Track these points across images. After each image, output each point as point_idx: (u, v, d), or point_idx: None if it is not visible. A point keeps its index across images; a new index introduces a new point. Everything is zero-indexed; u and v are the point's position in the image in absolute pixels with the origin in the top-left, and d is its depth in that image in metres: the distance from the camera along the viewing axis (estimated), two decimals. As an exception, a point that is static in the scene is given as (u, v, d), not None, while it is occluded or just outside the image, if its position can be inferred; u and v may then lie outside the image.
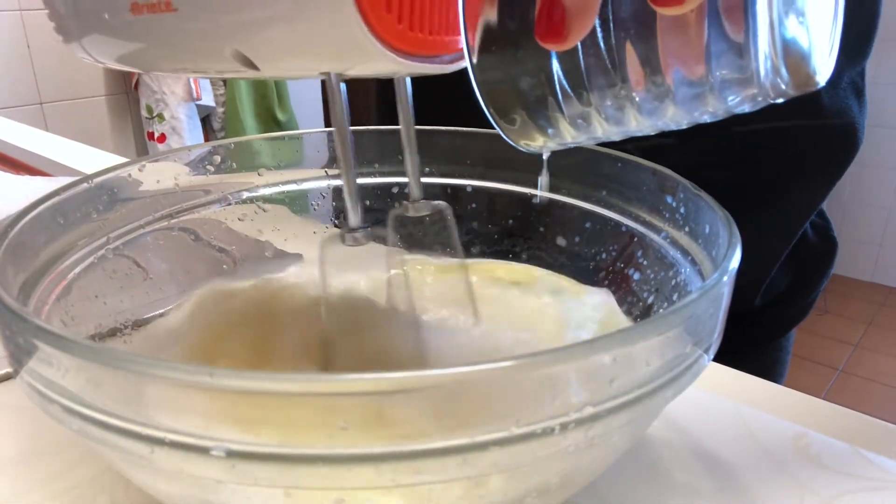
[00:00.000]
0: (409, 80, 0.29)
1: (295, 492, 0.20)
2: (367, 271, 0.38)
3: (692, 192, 0.31)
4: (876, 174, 2.38)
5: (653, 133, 0.23)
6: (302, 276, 0.40)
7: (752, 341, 0.52)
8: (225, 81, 2.08)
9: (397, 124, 0.39)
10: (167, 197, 0.36)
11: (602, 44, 0.21)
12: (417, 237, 0.39)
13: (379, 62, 0.21)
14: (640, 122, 0.22)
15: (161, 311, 0.35)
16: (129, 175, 0.34)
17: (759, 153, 0.45)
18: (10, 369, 0.22)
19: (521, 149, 0.25)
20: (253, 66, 0.22)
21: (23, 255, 0.28)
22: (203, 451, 0.18)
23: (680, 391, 0.22)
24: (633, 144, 0.35)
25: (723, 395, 0.36)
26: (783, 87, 0.20)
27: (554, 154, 0.38)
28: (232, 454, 0.18)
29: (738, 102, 0.21)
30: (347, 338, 0.32)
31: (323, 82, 0.25)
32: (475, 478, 0.20)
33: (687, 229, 0.31)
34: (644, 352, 0.20)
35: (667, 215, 0.33)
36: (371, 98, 0.57)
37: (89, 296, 0.31)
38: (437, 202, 0.33)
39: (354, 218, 0.27)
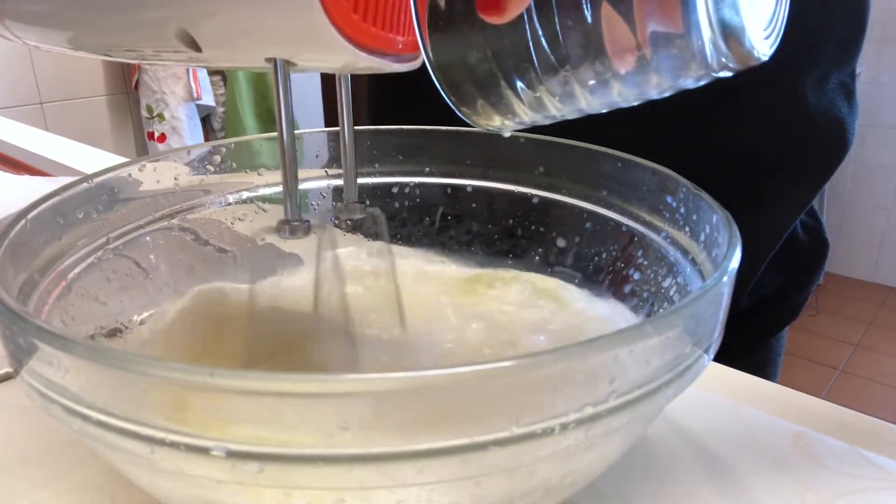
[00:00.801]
0: (349, 79, 0.29)
1: (295, 492, 0.20)
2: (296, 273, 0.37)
3: (692, 192, 0.31)
4: (876, 174, 2.38)
5: (605, 111, 0.24)
6: (297, 278, 0.40)
7: (743, 342, 0.52)
8: (225, 81, 2.08)
9: (389, 123, 0.40)
10: (167, 197, 0.36)
11: (540, 21, 0.21)
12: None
13: (331, 51, 0.21)
14: (589, 100, 0.23)
15: (161, 311, 0.35)
16: (129, 175, 0.34)
17: (745, 152, 0.45)
18: (10, 369, 0.22)
19: (483, 129, 0.25)
20: (195, 47, 0.22)
21: (23, 255, 0.28)
22: (203, 451, 0.18)
23: (680, 391, 0.22)
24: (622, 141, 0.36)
25: (723, 395, 0.36)
26: (725, 62, 0.20)
27: (554, 154, 0.38)
28: (232, 454, 0.18)
29: (683, 78, 0.21)
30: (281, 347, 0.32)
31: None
32: (475, 478, 0.20)
33: (687, 229, 0.31)
34: (644, 352, 0.20)
35: (667, 215, 0.33)
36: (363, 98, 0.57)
37: (89, 296, 0.31)
38: (371, 208, 0.33)
39: (293, 211, 0.27)
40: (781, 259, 0.50)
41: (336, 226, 0.38)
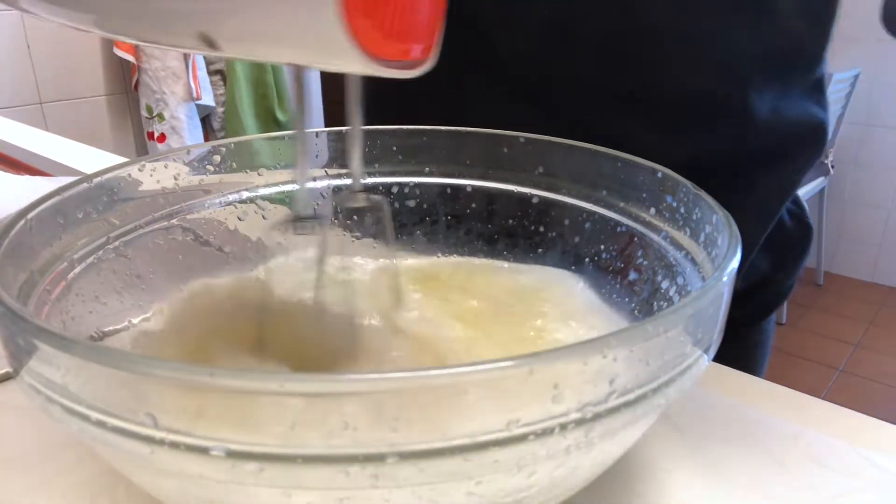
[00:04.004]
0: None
1: (295, 492, 0.20)
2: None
3: (692, 192, 0.31)
4: (876, 174, 2.38)
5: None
6: (294, 274, 0.40)
7: (736, 325, 0.55)
8: (225, 81, 2.08)
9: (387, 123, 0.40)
10: (167, 197, 0.36)
11: None
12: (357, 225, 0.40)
13: (349, 65, 0.21)
14: None
15: (161, 311, 0.35)
16: (129, 175, 0.34)
17: (735, 150, 0.48)
18: (10, 369, 0.22)
19: None
20: (213, 48, 0.22)
21: (23, 255, 0.28)
22: (203, 451, 0.18)
23: (680, 391, 0.22)
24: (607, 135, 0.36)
25: (723, 395, 0.36)
26: None
27: (554, 154, 0.38)
28: (232, 454, 0.18)
29: None
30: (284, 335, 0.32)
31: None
32: (475, 478, 0.20)
33: (687, 229, 0.31)
34: (644, 352, 0.20)
35: (667, 215, 0.33)
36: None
37: (89, 296, 0.31)
38: (375, 196, 0.33)
39: (305, 207, 0.28)
40: (770, 243, 0.54)
41: (338, 214, 0.38)
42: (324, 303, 0.33)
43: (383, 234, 0.35)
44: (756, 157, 0.48)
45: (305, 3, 0.19)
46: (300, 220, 0.28)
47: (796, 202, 0.58)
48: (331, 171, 0.41)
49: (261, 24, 0.21)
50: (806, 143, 0.50)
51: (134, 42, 0.28)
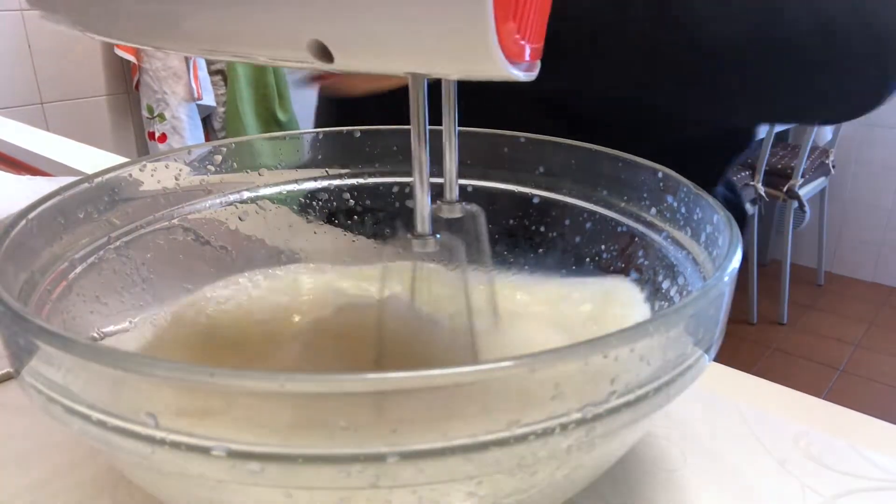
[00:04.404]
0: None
1: (296, 492, 0.20)
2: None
3: (693, 192, 0.31)
4: (877, 174, 2.38)
5: None
6: (301, 276, 0.40)
7: None
8: (226, 81, 2.08)
9: (394, 123, 0.39)
10: (167, 197, 0.36)
11: None
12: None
13: (488, 68, 0.19)
14: None
15: (161, 311, 0.35)
16: (130, 175, 0.34)
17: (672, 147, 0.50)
18: (10, 369, 0.22)
19: None
20: (328, 59, 0.20)
21: (23, 255, 0.28)
22: (203, 451, 0.18)
23: (681, 391, 0.22)
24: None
25: (724, 395, 0.36)
26: None
27: (554, 154, 0.38)
28: (232, 454, 0.18)
29: None
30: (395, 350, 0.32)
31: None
32: (476, 478, 0.20)
33: (688, 229, 0.31)
34: (645, 351, 0.20)
35: (667, 215, 0.33)
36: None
37: (90, 296, 0.31)
38: (471, 205, 0.32)
39: (423, 225, 0.27)
40: None
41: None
42: (434, 319, 0.32)
43: (479, 244, 0.34)
44: (682, 149, 0.50)
45: (455, 5, 0.18)
46: (418, 238, 0.27)
47: (732, 189, 0.60)
48: (331, 171, 0.41)
49: (392, 27, 0.19)
50: (732, 138, 0.53)
51: (241, 60, 0.26)
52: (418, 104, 0.24)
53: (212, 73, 2.07)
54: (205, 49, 0.23)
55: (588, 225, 0.37)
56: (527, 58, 0.21)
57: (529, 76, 0.22)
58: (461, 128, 0.39)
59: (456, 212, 0.32)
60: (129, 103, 2.13)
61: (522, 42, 0.20)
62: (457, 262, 0.30)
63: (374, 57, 0.20)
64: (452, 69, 0.21)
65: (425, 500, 0.21)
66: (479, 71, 0.20)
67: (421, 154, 0.26)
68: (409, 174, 0.40)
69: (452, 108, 0.28)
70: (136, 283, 0.35)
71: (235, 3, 0.20)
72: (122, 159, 0.68)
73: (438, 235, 0.28)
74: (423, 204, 0.27)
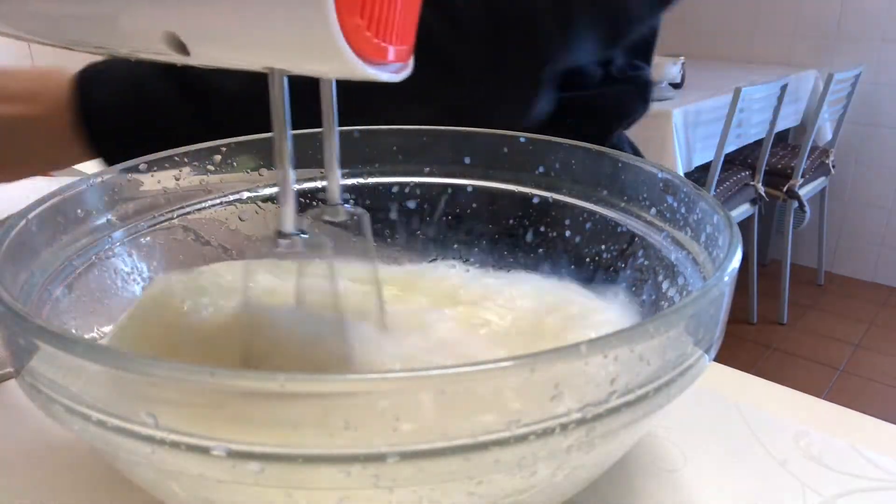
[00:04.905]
0: (334, 81, 0.27)
1: (296, 492, 0.20)
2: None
3: (693, 193, 0.31)
4: (877, 174, 2.38)
5: None
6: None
7: None
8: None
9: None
10: (168, 197, 0.36)
11: None
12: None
13: (338, 65, 0.20)
14: None
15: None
16: (130, 175, 0.34)
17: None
18: (10, 369, 0.22)
19: None
20: (183, 51, 0.20)
21: (23, 255, 0.28)
22: (203, 451, 0.18)
23: (681, 391, 0.22)
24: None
25: (724, 395, 0.36)
26: None
27: (554, 154, 0.38)
28: (232, 454, 0.18)
29: None
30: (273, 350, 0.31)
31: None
32: (475, 478, 0.20)
33: (688, 229, 0.31)
34: (645, 351, 0.20)
35: (667, 215, 0.33)
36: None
37: (90, 295, 0.31)
38: (355, 208, 0.31)
39: (289, 224, 0.26)
40: None
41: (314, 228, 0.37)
42: (311, 314, 0.31)
43: (364, 246, 0.33)
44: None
45: (302, 2, 0.18)
46: (282, 237, 0.26)
47: (635, 150, 0.66)
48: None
49: (240, 21, 0.19)
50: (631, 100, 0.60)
51: (87, 52, 0.25)
52: (278, 101, 0.24)
53: (212, 72, 2.07)
54: (71, 41, 0.23)
55: (588, 225, 0.37)
56: (391, 58, 0.21)
57: (395, 77, 0.22)
58: (461, 128, 0.40)
59: (340, 215, 0.30)
60: (128, 103, 2.13)
61: (378, 41, 0.20)
62: (325, 259, 0.29)
63: (228, 50, 0.21)
64: (306, 65, 0.21)
65: (425, 500, 0.21)
66: (336, 69, 0.20)
67: (283, 152, 0.25)
68: (410, 174, 0.40)
69: (331, 109, 0.27)
70: (136, 283, 0.35)
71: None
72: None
73: (305, 234, 0.26)
74: (287, 203, 0.26)
